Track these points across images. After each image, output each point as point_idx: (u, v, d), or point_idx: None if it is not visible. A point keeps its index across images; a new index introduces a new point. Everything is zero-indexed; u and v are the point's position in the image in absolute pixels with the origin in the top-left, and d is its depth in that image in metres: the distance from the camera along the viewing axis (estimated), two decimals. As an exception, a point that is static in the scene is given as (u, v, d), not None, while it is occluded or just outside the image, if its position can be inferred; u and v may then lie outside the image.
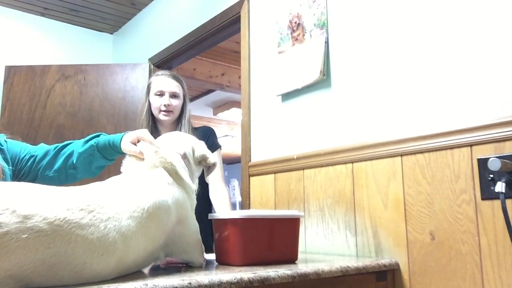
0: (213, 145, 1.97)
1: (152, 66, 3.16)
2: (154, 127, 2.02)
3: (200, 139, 1.91)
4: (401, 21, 1.56)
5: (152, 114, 2.01)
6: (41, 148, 1.43)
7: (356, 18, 1.72)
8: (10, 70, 3.15)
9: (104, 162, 1.41)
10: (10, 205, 0.76)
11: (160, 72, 2.07)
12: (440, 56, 1.43)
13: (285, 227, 1.30)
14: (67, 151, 1.41)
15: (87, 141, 1.40)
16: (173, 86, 1.97)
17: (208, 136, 1.99)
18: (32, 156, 1.39)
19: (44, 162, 1.39)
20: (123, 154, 1.29)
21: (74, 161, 1.39)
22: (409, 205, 1.45)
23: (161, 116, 1.96)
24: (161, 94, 1.96)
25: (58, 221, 0.80)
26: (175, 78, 2.02)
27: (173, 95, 1.97)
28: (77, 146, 1.41)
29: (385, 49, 1.60)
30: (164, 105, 1.94)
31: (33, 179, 1.37)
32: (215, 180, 1.92)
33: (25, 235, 0.75)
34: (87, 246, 0.83)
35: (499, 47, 1.29)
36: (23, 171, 1.37)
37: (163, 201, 1.03)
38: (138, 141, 1.26)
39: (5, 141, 1.38)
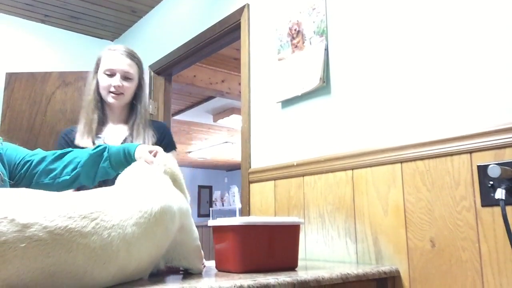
0: (171, 144, 1.81)
1: (152, 73, 3.17)
2: (102, 111, 1.76)
3: (155, 133, 1.76)
4: (401, 28, 1.57)
5: (100, 95, 1.75)
6: (38, 154, 1.39)
7: (355, 25, 1.73)
8: (11, 77, 3.16)
9: (108, 169, 1.38)
10: (9, 213, 0.75)
11: (113, 47, 1.78)
12: (440, 63, 1.44)
13: (285, 234, 1.29)
14: (66, 159, 1.38)
15: (100, 145, 1.39)
16: (126, 65, 1.71)
17: (165, 134, 1.83)
18: (27, 161, 1.36)
19: (40, 168, 1.36)
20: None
21: (78, 167, 1.36)
22: (409, 212, 1.44)
23: (110, 99, 1.71)
24: (111, 73, 1.70)
25: (58, 230, 0.78)
26: (130, 56, 1.75)
27: (126, 77, 1.71)
28: (79, 154, 1.39)
29: (384, 56, 1.61)
30: (114, 86, 1.69)
31: (27, 185, 1.34)
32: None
33: (23, 244, 0.74)
34: (89, 255, 0.82)
35: (498, 54, 1.30)
36: (18, 176, 1.34)
37: (169, 206, 1.03)
38: (154, 155, 1.28)
39: (1, 143, 1.37)
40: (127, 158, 1.34)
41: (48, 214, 0.79)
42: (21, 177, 1.34)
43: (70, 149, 1.43)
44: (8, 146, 1.38)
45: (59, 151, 1.41)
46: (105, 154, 1.37)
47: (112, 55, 1.74)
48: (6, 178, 1.29)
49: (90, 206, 0.87)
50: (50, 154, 1.40)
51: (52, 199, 0.85)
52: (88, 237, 0.82)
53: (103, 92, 1.73)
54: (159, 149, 1.31)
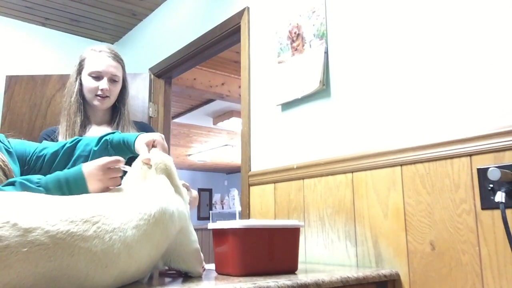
0: None
1: (152, 76, 3.17)
2: (85, 114, 1.71)
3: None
4: (400, 31, 1.57)
5: (83, 97, 1.70)
6: (47, 148, 1.38)
7: (355, 28, 1.74)
8: (11, 80, 3.16)
9: None
10: (11, 218, 0.75)
11: (97, 47, 1.73)
12: (440, 66, 1.44)
13: (285, 237, 1.29)
14: (76, 152, 1.36)
15: (101, 138, 1.37)
16: (113, 68, 1.68)
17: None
18: (39, 157, 1.35)
19: (55, 164, 1.35)
20: (135, 155, 1.28)
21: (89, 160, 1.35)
22: (409, 215, 1.44)
23: (95, 101, 1.67)
24: (98, 76, 1.66)
25: (60, 234, 0.79)
26: (116, 58, 1.73)
27: (112, 79, 1.68)
28: (86, 147, 1.37)
29: (384, 59, 1.61)
30: (101, 90, 1.65)
31: None
32: None
33: (26, 249, 0.74)
34: (91, 259, 0.82)
35: (498, 57, 1.30)
36: (32, 172, 1.32)
37: (168, 207, 1.04)
38: (153, 145, 1.25)
39: (8, 141, 1.37)
40: (129, 149, 1.34)
41: (50, 219, 0.80)
42: (36, 172, 1.33)
43: (77, 138, 1.41)
44: (16, 142, 1.38)
45: (68, 144, 1.39)
46: (110, 149, 1.37)
47: (98, 57, 1.69)
48: (19, 175, 1.29)
49: (91, 210, 0.88)
50: (60, 147, 1.38)
51: (53, 203, 0.85)
52: (90, 241, 0.82)
53: (88, 95, 1.69)
54: (156, 136, 1.29)
